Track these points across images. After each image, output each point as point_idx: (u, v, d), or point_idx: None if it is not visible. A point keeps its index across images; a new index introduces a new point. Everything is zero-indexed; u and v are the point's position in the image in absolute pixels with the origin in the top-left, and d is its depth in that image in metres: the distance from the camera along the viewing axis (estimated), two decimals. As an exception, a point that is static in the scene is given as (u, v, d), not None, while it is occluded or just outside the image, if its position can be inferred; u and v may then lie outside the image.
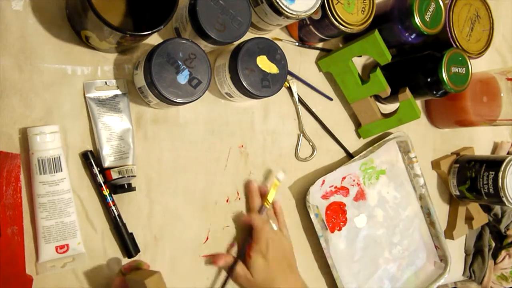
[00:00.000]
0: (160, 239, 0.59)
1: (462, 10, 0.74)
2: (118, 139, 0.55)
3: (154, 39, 0.57)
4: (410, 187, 0.82)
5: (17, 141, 0.50)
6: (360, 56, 0.76)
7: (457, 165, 0.86)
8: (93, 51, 0.55)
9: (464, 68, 0.72)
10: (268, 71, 0.58)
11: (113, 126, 0.55)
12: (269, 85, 0.58)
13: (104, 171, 0.54)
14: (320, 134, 0.73)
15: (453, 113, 0.83)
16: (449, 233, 0.88)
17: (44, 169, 0.50)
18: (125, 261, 0.56)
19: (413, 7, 0.65)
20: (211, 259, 0.62)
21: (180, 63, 0.52)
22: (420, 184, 0.82)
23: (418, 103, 0.82)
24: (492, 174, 0.79)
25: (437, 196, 0.88)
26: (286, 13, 0.57)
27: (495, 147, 0.99)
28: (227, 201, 0.64)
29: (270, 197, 0.64)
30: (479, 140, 0.96)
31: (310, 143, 0.72)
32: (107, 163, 0.54)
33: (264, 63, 0.58)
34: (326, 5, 0.61)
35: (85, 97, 0.54)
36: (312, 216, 0.68)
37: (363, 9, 0.64)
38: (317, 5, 0.59)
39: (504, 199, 0.78)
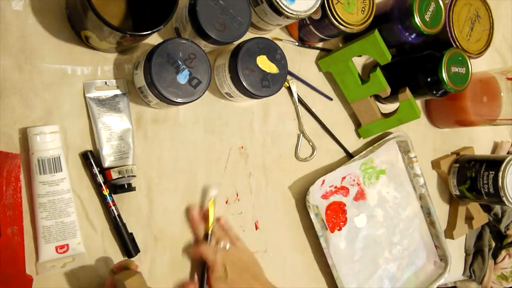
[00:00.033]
0: (160, 239, 0.59)
1: (462, 10, 0.74)
2: (118, 139, 0.55)
3: (154, 39, 0.57)
4: (410, 187, 0.82)
5: (17, 141, 0.50)
6: (360, 56, 0.76)
7: (457, 165, 0.86)
8: (93, 51, 0.55)
9: (464, 68, 0.72)
10: (268, 71, 0.58)
11: (113, 126, 0.55)
12: (269, 85, 0.58)
13: (104, 171, 0.54)
14: (320, 134, 0.73)
15: (453, 113, 0.83)
16: (449, 233, 0.88)
17: (44, 169, 0.50)
18: (125, 261, 0.56)
19: (413, 7, 0.65)
20: None
21: (180, 63, 0.52)
22: (420, 184, 0.82)
23: (418, 103, 0.82)
24: (492, 174, 0.79)
25: (437, 196, 0.88)
26: (286, 13, 0.57)
27: (495, 147, 0.99)
28: (226, 202, 0.64)
29: (211, 219, 0.60)
30: (479, 140, 0.96)
31: (310, 143, 0.72)
32: (107, 163, 0.54)
33: (264, 63, 0.58)
34: (326, 5, 0.61)
35: (85, 97, 0.54)
36: (312, 216, 0.68)
37: (363, 9, 0.64)
38: (317, 5, 0.59)
39: (504, 199, 0.78)
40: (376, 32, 0.66)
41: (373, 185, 0.78)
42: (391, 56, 0.68)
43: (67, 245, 0.51)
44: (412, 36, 0.68)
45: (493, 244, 0.96)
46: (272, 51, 0.59)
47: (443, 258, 0.84)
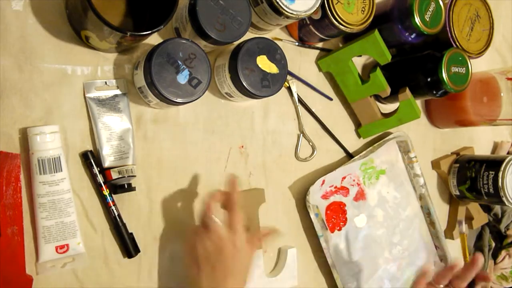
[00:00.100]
0: (160, 239, 0.59)
1: (462, 10, 0.74)
2: (118, 139, 0.55)
3: (154, 39, 0.57)
4: (410, 187, 0.82)
5: (17, 141, 0.50)
6: (360, 56, 0.76)
7: (457, 165, 0.86)
8: (93, 51, 0.55)
9: (464, 68, 0.72)
10: (268, 71, 0.58)
11: (113, 126, 0.55)
12: (269, 85, 0.58)
13: (104, 171, 0.54)
14: (320, 134, 0.73)
15: (453, 113, 0.83)
16: (449, 233, 0.88)
17: (44, 169, 0.50)
18: (125, 261, 0.56)
19: (413, 7, 0.65)
20: None
21: (180, 63, 0.52)
22: (420, 184, 0.82)
23: (418, 103, 0.82)
24: (492, 174, 0.79)
25: (437, 196, 0.88)
26: (286, 13, 0.57)
27: (495, 147, 0.99)
28: (227, 201, 0.64)
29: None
30: (479, 140, 0.96)
31: (310, 143, 0.72)
32: (107, 163, 0.54)
33: (264, 63, 0.58)
34: (326, 5, 0.61)
35: (85, 97, 0.54)
36: (312, 216, 0.68)
37: (363, 9, 0.64)
38: (317, 5, 0.59)
39: (504, 199, 0.78)
40: (376, 32, 0.66)
41: (373, 185, 0.78)
42: (391, 56, 0.68)
43: (67, 245, 0.51)
44: (412, 36, 0.68)
45: (493, 244, 0.96)
46: (272, 51, 0.59)
47: (443, 259, 0.84)
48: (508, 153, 0.99)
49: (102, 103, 0.55)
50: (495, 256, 0.97)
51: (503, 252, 0.97)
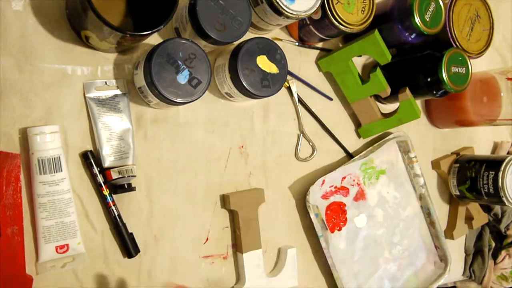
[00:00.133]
0: (160, 239, 0.59)
1: (462, 10, 0.74)
2: (118, 139, 0.55)
3: (154, 39, 0.57)
4: (410, 187, 0.82)
5: (17, 141, 0.50)
6: (360, 56, 0.76)
7: (457, 165, 0.86)
8: (93, 51, 0.55)
9: (464, 68, 0.72)
10: (268, 71, 0.58)
11: (113, 126, 0.55)
12: (269, 85, 0.58)
13: (104, 171, 0.54)
14: (320, 134, 0.73)
15: (453, 113, 0.83)
16: (449, 233, 0.88)
17: (44, 169, 0.50)
18: (125, 261, 0.56)
19: (413, 7, 0.65)
20: None
21: (180, 63, 0.52)
22: (420, 184, 0.82)
23: (418, 103, 0.82)
24: (492, 174, 0.79)
25: (437, 196, 0.88)
26: (286, 13, 0.57)
27: (495, 147, 0.99)
28: (227, 201, 0.64)
29: None
30: (479, 140, 0.96)
31: (310, 143, 0.72)
32: (107, 163, 0.54)
33: (264, 63, 0.58)
34: (326, 5, 0.61)
35: (85, 97, 0.54)
36: (312, 216, 0.68)
37: (363, 9, 0.64)
38: (317, 5, 0.59)
39: (504, 199, 0.78)
40: (376, 32, 0.66)
41: (373, 185, 0.78)
42: (391, 56, 0.68)
43: (67, 245, 0.51)
44: (412, 36, 0.68)
45: (493, 244, 0.96)
46: (272, 51, 0.59)
47: (443, 259, 0.84)
48: (508, 153, 0.99)
49: (102, 103, 0.55)
50: (495, 256, 0.97)
51: (503, 252, 0.97)
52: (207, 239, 0.62)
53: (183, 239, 0.61)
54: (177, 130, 0.61)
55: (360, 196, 0.76)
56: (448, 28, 0.72)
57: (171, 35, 0.60)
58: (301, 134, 0.71)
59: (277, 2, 0.56)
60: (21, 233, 0.49)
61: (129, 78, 0.57)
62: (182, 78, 0.52)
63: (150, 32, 0.48)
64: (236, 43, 0.58)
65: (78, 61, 0.54)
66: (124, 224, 0.55)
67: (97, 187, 0.54)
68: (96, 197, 0.55)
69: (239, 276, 0.65)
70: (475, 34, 0.75)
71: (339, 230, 0.73)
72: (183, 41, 0.52)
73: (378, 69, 0.69)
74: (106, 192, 0.54)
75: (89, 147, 0.55)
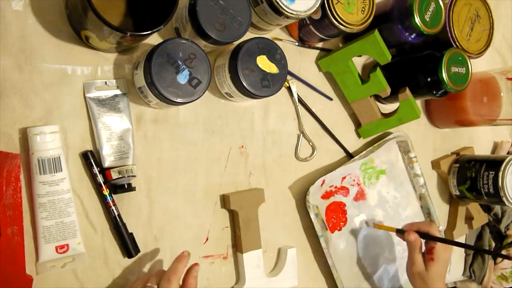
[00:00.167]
0: (160, 239, 0.59)
1: (462, 10, 0.74)
2: (118, 139, 0.55)
3: (154, 39, 0.57)
4: (410, 187, 0.82)
5: (17, 141, 0.50)
6: (360, 56, 0.76)
7: (457, 165, 0.86)
8: (93, 51, 0.55)
9: (464, 68, 0.72)
10: (268, 71, 0.58)
11: (113, 126, 0.55)
12: (269, 85, 0.58)
13: (104, 171, 0.54)
14: (320, 134, 0.73)
15: (453, 113, 0.83)
16: (449, 233, 0.88)
17: (44, 169, 0.50)
18: (125, 261, 0.56)
19: (413, 7, 0.65)
20: None
21: (180, 63, 0.52)
22: (420, 184, 0.82)
23: (418, 103, 0.82)
24: (492, 174, 0.79)
25: (437, 196, 0.88)
26: (286, 13, 0.57)
27: (495, 147, 0.99)
28: (227, 201, 0.64)
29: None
30: (479, 140, 0.96)
31: (310, 143, 0.72)
32: (107, 163, 0.54)
33: (264, 63, 0.58)
34: (326, 5, 0.61)
35: (85, 97, 0.54)
36: (312, 216, 0.68)
37: (363, 9, 0.64)
38: (317, 5, 0.59)
39: (504, 199, 0.78)
40: (376, 32, 0.66)
41: (373, 185, 0.78)
42: (391, 56, 0.68)
43: (67, 245, 0.51)
44: (412, 36, 0.68)
45: (493, 244, 0.96)
46: (272, 51, 0.59)
47: (443, 258, 0.84)
48: (508, 153, 0.99)
49: (102, 103, 0.55)
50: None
51: (503, 252, 0.97)
52: (207, 239, 0.62)
53: (183, 239, 0.61)
54: (177, 130, 0.61)
55: (360, 196, 0.76)
56: (448, 28, 0.72)
57: (171, 35, 0.60)
58: (301, 134, 0.71)
59: (277, 2, 0.56)
60: (21, 233, 0.49)
61: (129, 78, 0.57)
62: (182, 78, 0.52)
63: (150, 32, 0.48)
64: (236, 43, 0.58)
65: (78, 61, 0.54)
66: (124, 224, 0.55)
67: (97, 187, 0.54)
68: (96, 197, 0.55)
69: (239, 276, 0.65)
70: (475, 34, 0.75)
71: (339, 230, 0.73)
72: (183, 41, 0.52)
73: (378, 69, 0.69)
74: (106, 192, 0.54)
75: (89, 147, 0.55)
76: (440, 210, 0.88)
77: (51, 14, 0.52)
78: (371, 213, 0.77)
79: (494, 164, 0.80)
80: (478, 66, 0.81)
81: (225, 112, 0.64)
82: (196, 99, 0.53)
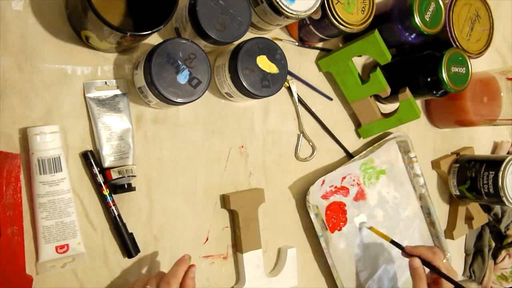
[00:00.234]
0: (160, 239, 0.59)
1: (462, 10, 0.74)
2: (118, 139, 0.55)
3: (154, 39, 0.57)
4: (410, 187, 0.82)
5: (17, 141, 0.50)
6: (360, 56, 0.76)
7: (457, 165, 0.86)
8: (93, 51, 0.55)
9: (464, 68, 0.72)
10: (268, 71, 0.58)
11: (113, 126, 0.55)
12: (269, 85, 0.58)
13: (104, 171, 0.54)
14: (320, 134, 0.73)
15: (453, 113, 0.83)
16: (449, 233, 0.88)
17: (44, 169, 0.50)
18: (125, 261, 0.56)
19: (413, 7, 0.65)
20: None
21: (180, 63, 0.52)
22: (420, 184, 0.82)
23: (418, 103, 0.82)
24: (492, 174, 0.79)
25: (437, 196, 0.88)
26: (286, 13, 0.57)
27: (495, 147, 0.99)
28: (227, 201, 0.64)
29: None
30: (479, 140, 0.96)
31: (310, 143, 0.72)
32: (107, 163, 0.54)
33: (264, 63, 0.58)
34: (326, 5, 0.61)
35: (85, 97, 0.54)
36: (312, 216, 0.68)
37: (363, 9, 0.64)
38: (317, 5, 0.59)
39: (504, 199, 0.78)
40: (376, 32, 0.66)
41: (373, 185, 0.78)
42: (391, 56, 0.68)
43: (67, 245, 0.51)
44: (412, 36, 0.68)
45: (493, 244, 0.96)
46: (272, 51, 0.59)
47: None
48: (508, 153, 0.99)
49: (102, 103, 0.55)
50: (495, 256, 0.97)
51: (503, 252, 0.97)
52: (207, 239, 0.62)
53: (183, 239, 0.61)
54: (177, 130, 0.61)
55: (360, 196, 0.76)
56: (448, 28, 0.72)
57: (171, 35, 0.60)
58: (301, 134, 0.71)
59: (277, 2, 0.56)
60: (21, 233, 0.49)
61: (129, 78, 0.57)
62: (182, 78, 0.52)
63: (150, 32, 0.48)
64: (236, 43, 0.58)
65: (78, 61, 0.54)
66: (124, 224, 0.55)
67: (97, 187, 0.54)
68: (96, 197, 0.55)
69: (239, 276, 0.65)
70: (475, 34, 0.75)
71: (339, 230, 0.73)
72: (183, 41, 0.52)
73: (378, 69, 0.69)
74: (106, 192, 0.54)
75: (89, 147, 0.55)
76: (440, 210, 0.88)
77: (51, 14, 0.52)
78: (371, 213, 0.77)
79: (494, 164, 0.80)
80: (478, 66, 0.81)
81: (225, 112, 0.64)
82: (196, 99, 0.53)
